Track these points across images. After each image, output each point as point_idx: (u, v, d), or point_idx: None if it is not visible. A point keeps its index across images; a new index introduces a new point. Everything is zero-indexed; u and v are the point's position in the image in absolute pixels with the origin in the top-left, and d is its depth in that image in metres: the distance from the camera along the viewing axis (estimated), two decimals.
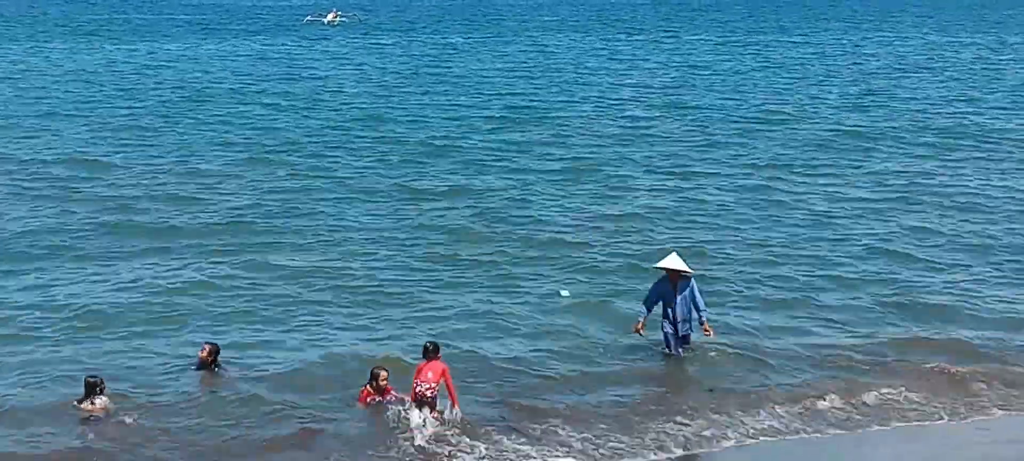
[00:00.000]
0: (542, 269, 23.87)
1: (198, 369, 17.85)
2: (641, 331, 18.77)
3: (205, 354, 17.87)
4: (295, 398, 17.35)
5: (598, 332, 20.11)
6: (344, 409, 17.11)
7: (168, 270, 23.66)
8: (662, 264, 19.04)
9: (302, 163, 34.28)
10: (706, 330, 18.89)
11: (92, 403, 16.34)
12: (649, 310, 18.65)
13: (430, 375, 16.85)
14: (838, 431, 16.79)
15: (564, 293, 22.27)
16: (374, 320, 20.59)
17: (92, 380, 16.54)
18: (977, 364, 19.05)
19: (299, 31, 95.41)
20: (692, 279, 18.82)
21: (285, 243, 25.56)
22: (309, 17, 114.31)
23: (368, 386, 17.20)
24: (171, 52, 71.56)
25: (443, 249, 25.41)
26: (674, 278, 18.67)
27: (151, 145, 38.01)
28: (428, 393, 16.66)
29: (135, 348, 19.24)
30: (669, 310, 18.68)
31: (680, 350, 18.95)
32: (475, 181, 32.08)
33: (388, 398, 17.20)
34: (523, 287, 22.68)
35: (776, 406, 17.36)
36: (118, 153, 36.32)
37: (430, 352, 17.06)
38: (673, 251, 19.93)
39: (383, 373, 17.27)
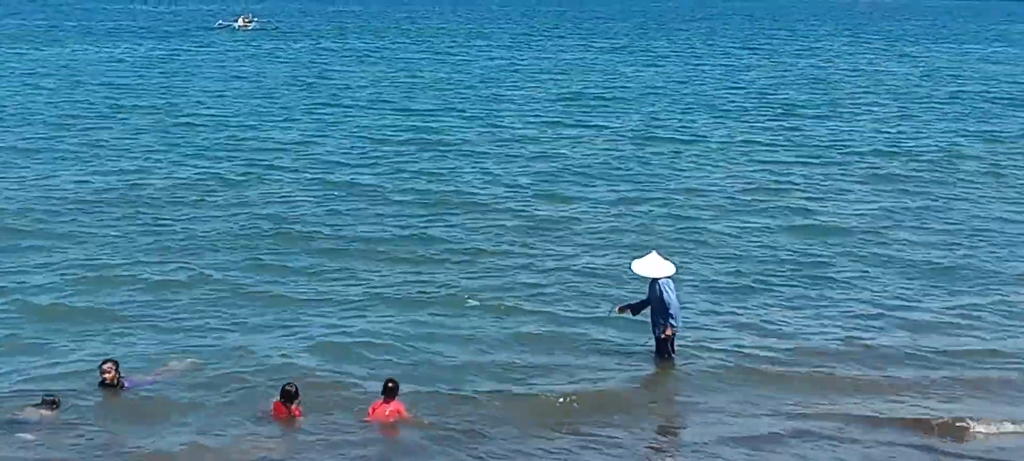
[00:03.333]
0: (459, 279, 22.37)
1: (102, 387, 16.57)
2: (620, 313, 18.16)
3: (110, 375, 16.55)
4: (203, 411, 15.94)
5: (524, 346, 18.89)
6: (259, 424, 15.63)
7: (55, 280, 21.97)
8: (636, 269, 17.98)
9: (196, 179, 31.45)
10: (666, 332, 17.59)
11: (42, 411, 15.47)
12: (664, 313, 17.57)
13: (387, 413, 15.38)
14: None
15: (472, 302, 21.09)
16: (282, 333, 19.11)
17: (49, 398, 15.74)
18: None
19: (206, 36, 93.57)
20: (661, 280, 17.55)
21: (186, 254, 23.69)
22: (220, 22, 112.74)
23: (280, 402, 15.58)
24: (56, 57, 69.33)
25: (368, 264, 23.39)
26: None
27: (29, 157, 35.45)
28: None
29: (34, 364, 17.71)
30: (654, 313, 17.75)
31: (665, 354, 17.69)
32: (383, 196, 30.18)
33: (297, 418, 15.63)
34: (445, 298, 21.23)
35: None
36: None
37: (389, 391, 15.55)
38: (653, 251, 18.68)
39: (292, 387, 15.70)
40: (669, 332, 17.58)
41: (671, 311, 17.39)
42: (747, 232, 26.15)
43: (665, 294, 17.39)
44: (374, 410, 15.58)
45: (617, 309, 18.37)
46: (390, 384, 15.66)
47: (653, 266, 17.80)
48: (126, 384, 16.63)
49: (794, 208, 28.76)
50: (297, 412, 15.71)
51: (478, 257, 23.73)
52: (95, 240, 24.79)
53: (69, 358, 17.92)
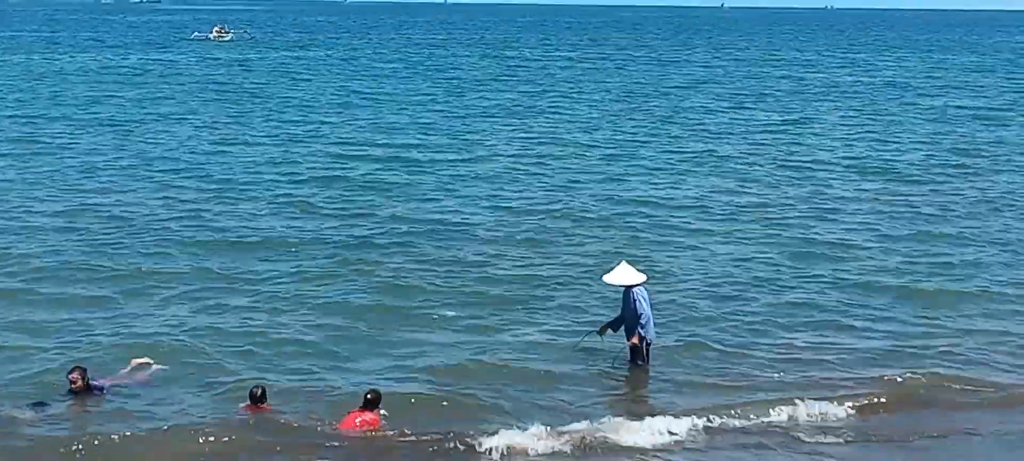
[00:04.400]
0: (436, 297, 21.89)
1: (70, 393, 16.49)
2: (602, 334, 18.12)
3: (79, 384, 16.47)
4: (170, 417, 16.04)
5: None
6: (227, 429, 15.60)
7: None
8: (607, 279, 18.11)
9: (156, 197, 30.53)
10: (633, 340, 17.75)
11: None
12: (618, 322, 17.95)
13: (358, 423, 15.35)
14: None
15: (449, 314, 21.05)
16: (252, 348, 19.01)
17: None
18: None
19: (183, 47, 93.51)
20: (636, 287, 17.74)
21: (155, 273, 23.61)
22: (196, 33, 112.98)
23: (250, 405, 15.90)
24: (22, 68, 68.88)
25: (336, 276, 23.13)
26: (628, 287, 17.83)
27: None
28: None
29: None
30: (625, 322, 17.96)
31: (639, 361, 17.88)
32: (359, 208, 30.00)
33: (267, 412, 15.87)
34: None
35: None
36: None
37: (368, 402, 15.53)
38: (623, 261, 18.73)
39: (260, 390, 15.98)
40: (635, 340, 17.63)
41: (642, 320, 17.48)
42: (718, 248, 25.84)
43: (638, 304, 17.48)
44: (348, 417, 15.48)
45: (599, 330, 18.24)
46: (369, 395, 15.58)
47: (627, 275, 17.83)
48: (94, 386, 16.70)
49: (767, 223, 28.58)
50: (268, 409, 15.88)
51: (450, 276, 23.40)
52: (62, 247, 24.67)
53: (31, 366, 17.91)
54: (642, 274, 17.89)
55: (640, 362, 17.83)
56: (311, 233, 26.69)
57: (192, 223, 27.55)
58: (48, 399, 16.44)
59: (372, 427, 15.31)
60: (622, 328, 17.95)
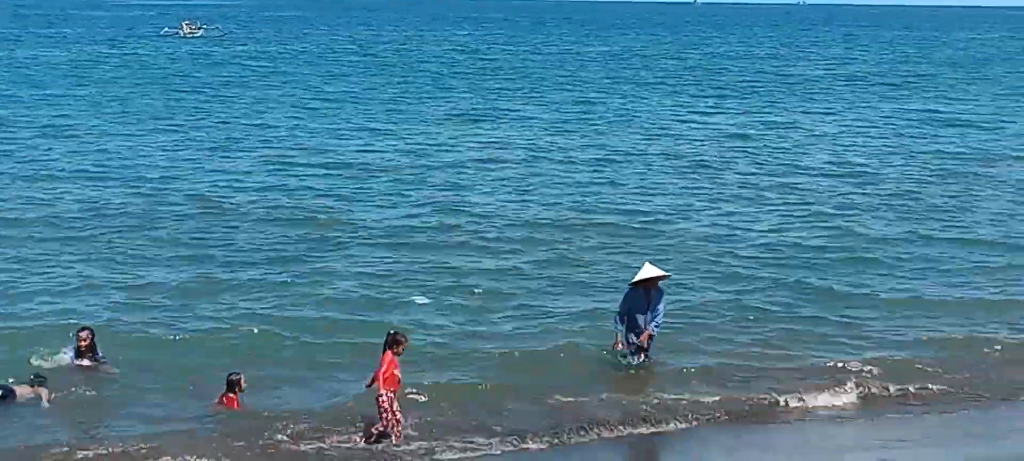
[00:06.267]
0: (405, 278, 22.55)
1: (76, 358, 16.92)
2: (620, 346, 17.92)
3: (86, 342, 16.85)
4: (171, 393, 16.52)
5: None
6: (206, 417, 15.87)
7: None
8: (642, 275, 17.99)
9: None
10: (645, 335, 17.92)
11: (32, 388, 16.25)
12: (624, 323, 17.94)
13: (389, 370, 14.88)
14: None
15: (420, 301, 21.06)
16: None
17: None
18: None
19: (153, 41, 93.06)
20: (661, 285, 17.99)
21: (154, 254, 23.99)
22: (166, 29, 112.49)
23: (228, 394, 16.05)
24: None
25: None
26: (649, 286, 17.77)
27: None
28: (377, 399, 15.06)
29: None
30: (639, 319, 17.88)
31: (642, 358, 18.13)
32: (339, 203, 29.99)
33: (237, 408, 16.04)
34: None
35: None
36: None
37: (398, 343, 14.96)
38: (646, 261, 18.90)
39: (237, 377, 16.14)
40: (646, 336, 17.85)
41: (659, 319, 17.88)
42: (704, 255, 25.76)
43: (661, 302, 17.86)
44: (386, 363, 15.00)
45: (614, 346, 18.12)
46: (400, 336, 15.12)
47: (657, 270, 18.13)
48: (98, 357, 17.01)
49: (752, 231, 28.33)
50: (234, 401, 16.03)
51: (423, 273, 23.43)
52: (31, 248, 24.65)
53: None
54: (658, 271, 18.15)
55: (645, 356, 18.03)
56: (277, 239, 26.31)
57: (146, 227, 27.05)
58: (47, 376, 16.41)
59: (397, 374, 15.03)
60: (619, 329, 17.98)
